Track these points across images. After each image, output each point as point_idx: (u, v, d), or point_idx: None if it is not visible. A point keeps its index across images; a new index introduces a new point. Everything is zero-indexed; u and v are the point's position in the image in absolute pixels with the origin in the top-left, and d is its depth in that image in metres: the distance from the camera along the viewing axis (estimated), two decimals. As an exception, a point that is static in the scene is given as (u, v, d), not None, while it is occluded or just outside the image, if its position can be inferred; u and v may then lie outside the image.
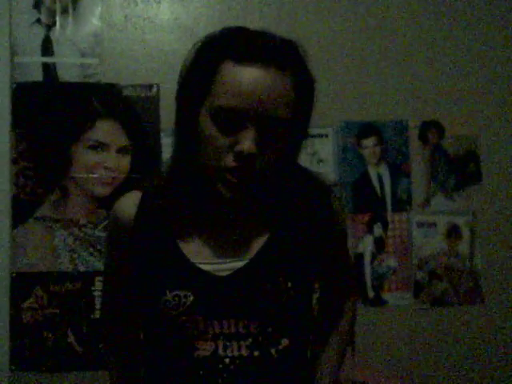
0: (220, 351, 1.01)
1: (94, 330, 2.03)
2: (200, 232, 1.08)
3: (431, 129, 2.20)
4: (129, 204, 1.11)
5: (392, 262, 2.15)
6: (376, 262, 2.15)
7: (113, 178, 2.06)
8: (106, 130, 2.07)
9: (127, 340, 1.24)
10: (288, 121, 0.98)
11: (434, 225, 2.18)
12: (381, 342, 2.13)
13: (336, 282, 1.26)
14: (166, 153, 2.07)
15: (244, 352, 1.01)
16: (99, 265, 2.03)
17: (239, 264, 1.04)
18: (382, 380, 1.96)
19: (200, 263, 1.04)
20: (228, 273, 1.03)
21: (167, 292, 1.01)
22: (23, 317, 2.01)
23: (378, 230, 2.16)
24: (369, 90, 2.19)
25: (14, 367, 2.00)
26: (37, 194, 2.04)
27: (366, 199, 2.17)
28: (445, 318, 2.17)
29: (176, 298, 1.01)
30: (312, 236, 1.09)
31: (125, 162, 2.07)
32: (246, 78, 0.95)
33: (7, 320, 2.00)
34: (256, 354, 1.01)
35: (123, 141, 2.08)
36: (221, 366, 1.00)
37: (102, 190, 2.06)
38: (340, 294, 1.28)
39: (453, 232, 2.19)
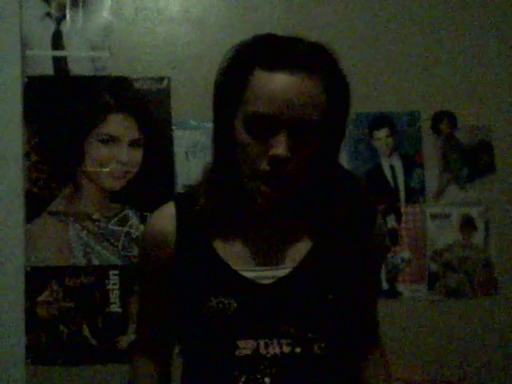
0: (261, 350, 1.03)
1: (108, 323, 2.04)
2: (241, 239, 1.10)
3: (444, 119, 2.18)
4: (166, 218, 1.14)
5: (406, 253, 2.15)
6: (390, 254, 2.14)
7: (125, 171, 2.06)
8: (117, 124, 2.06)
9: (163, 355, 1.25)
10: (320, 123, 1.00)
11: (448, 216, 2.17)
12: (395, 334, 2.13)
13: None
14: (178, 146, 2.07)
15: (285, 349, 1.03)
16: (113, 258, 2.04)
17: (282, 272, 1.06)
18: (398, 371, 1.96)
19: (243, 270, 1.07)
20: (271, 281, 1.06)
21: (212, 298, 1.04)
22: (38, 311, 2.02)
23: (391, 221, 2.15)
24: (381, 81, 2.17)
25: (29, 361, 2.01)
26: (50, 188, 2.04)
27: (379, 191, 2.16)
28: (459, 310, 2.16)
29: (220, 305, 1.04)
30: (353, 250, 1.10)
31: (137, 155, 2.07)
32: (275, 84, 0.98)
33: (23, 314, 2.01)
34: (297, 350, 1.03)
35: (135, 134, 2.07)
36: (262, 364, 1.03)
37: (114, 184, 2.06)
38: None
39: (467, 223, 2.17)
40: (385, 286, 2.14)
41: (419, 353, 2.13)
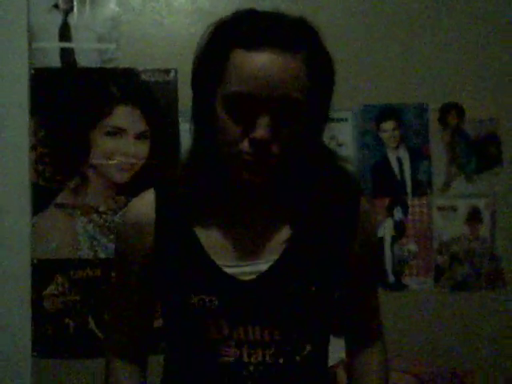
0: (244, 358, 1.00)
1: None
2: (222, 231, 1.06)
3: (451, 112, 2.18)
4: (145, 206, 1.09)
5: (412, 246, 2.15)
6: (396, 247, 2.14)
7: (131, 164, 2.05)
8: (124, 116, 2.06)
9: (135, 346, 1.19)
10: (303, 103, 0.96)
11: (455, 208, 2.17)
12: (401, 327, 2.13)
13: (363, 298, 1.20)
14: (185, 138, 2.06)
15: (268, 359, 1.00)
16: (119, 251, 2.03)
17: (263, 267, 1.03)
18: (404, 364, 1.96)
19: (224, 265, 1.03)
20: (252, 277, 1.02)
21: (192, 296, 1.01)
22: (45, 304, 2.01)
23: (398, 214, 2.15)
24: (388, 72, 2.17)
25: (35, 354, 2.00)
26: (56, 180, 2.03)
27: (386, 183, 2.16)
28: (466, 302, 2.16)
29: (201, 302, 1.00)
30: (336, 238, 1.07)
31: (143, 147, 2.06)
32: (256, 63, 0.94)
33: (29, 307, 2.00)
34: (281, 361, 1.01)
35: (141, 126, 2.07)
36: (245, 372, 1.00)
37: (121, 177, 2.05)
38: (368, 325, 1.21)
39: (473, 215, 2.17)
40: (391, 278, 2.14)
41: (425, 345, 2.13)
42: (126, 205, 2.03)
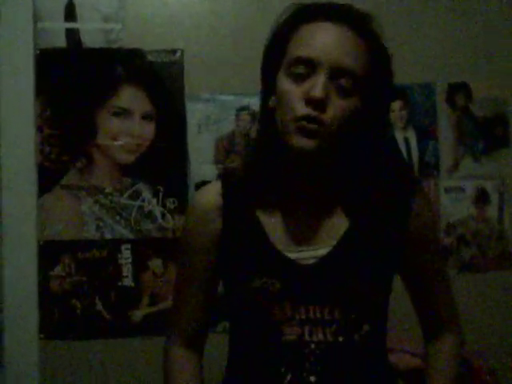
0: (306, 336, 1.05)
1: (121, 297, 2.03)
2: (283, 218, 1.11)
3: (459, 92, 2.17)
4: (213, 194, 1.15)
5: (419, 227, 2.14)
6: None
7: (137, 144, 2.05)
8: (129, 97, 2.05)
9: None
10: (359, 79, 1.00)
11: (462, 189, 2.16)
12: (407, 309, 2.11)
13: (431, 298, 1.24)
14: (191, 118, 2.06)
15: (329, 337, 1.05)
16: (125, 232, 2.03)
17: (322, 252, 1.07)
18: (410, 344, 1.96)
19: (286, 251, 1.08)
20: (313, 261, 1.07)
21: (256, 279, 1.06)
22: (51, 285, 2.01)
23: (404, 195, 2.13)
24: (395, 52, 2.14)
25: (42, 335, 2.01)
26: (62, 161, 2.03)
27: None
28: (473, 284, 2.15)
29: (264, 286, 1.06)
30: (391, 226, 1.10)
31: (149, 128, 2.06)
32: (318, 31, 1.01)
33: (35, 288, 2.00)
34: (340, 339, 1.05)
35: (147, 107, 2.06)
36: (306, 350, 1.05)
37: (126, 157, 2.05)
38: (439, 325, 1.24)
39: (481, 197, 2.16)
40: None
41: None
42: (132, 186, 2.04)
